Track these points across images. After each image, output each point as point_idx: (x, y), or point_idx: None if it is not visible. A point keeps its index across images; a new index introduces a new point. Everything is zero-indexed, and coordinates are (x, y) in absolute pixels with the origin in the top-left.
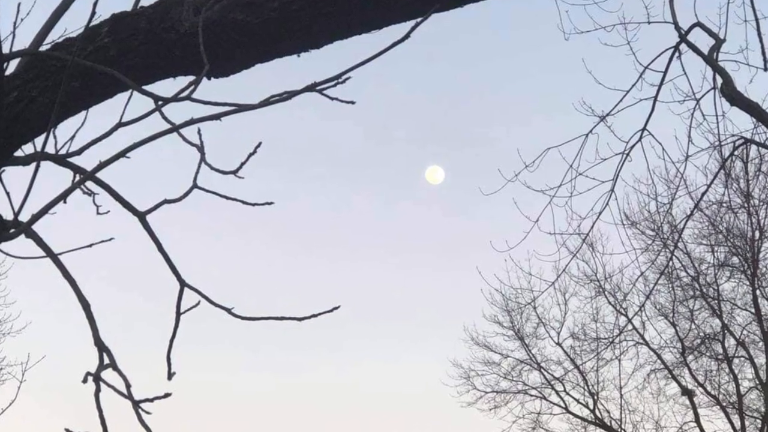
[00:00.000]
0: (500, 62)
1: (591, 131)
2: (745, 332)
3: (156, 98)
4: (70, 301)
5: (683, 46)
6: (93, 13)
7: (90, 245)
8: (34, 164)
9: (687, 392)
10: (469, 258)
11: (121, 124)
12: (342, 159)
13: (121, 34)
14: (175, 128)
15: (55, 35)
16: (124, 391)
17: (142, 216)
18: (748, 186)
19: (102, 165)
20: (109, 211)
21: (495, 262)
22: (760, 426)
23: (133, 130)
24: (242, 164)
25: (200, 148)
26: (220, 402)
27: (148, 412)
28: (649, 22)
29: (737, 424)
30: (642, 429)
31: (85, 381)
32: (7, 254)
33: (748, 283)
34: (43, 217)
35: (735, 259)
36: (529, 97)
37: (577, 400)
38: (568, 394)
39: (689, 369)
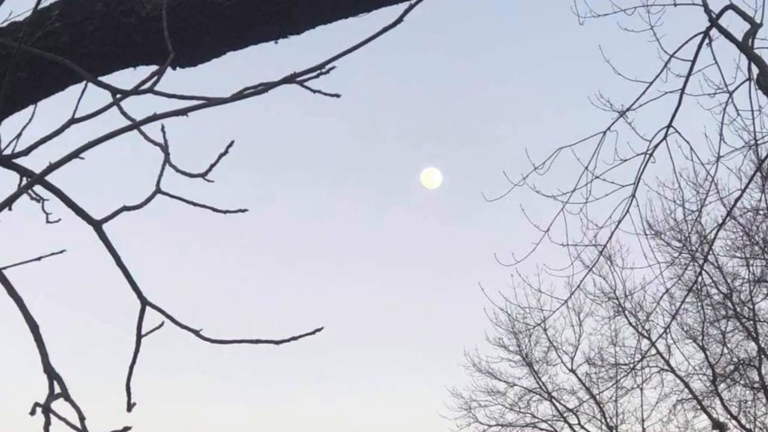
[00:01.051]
0: (505, 50)
1: (609, 128)
2: None
3: (114, 91)
4: (16, 322)
5: (714, 32)
6: None
7: (39, 258)
8: None
9: (718, 425)
10: (470, 273)
11: (74, 121)
12: (326, 160)
13: (74, 17)
14: (135, 125)
15: None
16: (78, 424)
17: (98, 225)
18: None
19: (52, 167)
20: (60, 220)
21: (500, 277)
22: None
23: (88, 127)
24: (212, 166)
25: (164, 148)
26: None
27: None
28: (675, 4)
29: None
30: None
31: (33, 413)
32: None
33: None
34: None
35: None
36: (539, 89)
37: None
38: (583, 427)
39: (721, 399)
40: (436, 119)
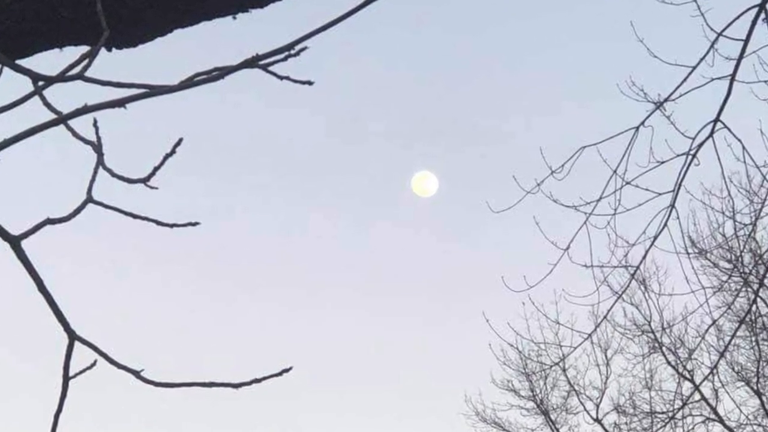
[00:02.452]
0: (517, 27)
1: (643, 123)
2: None
3: (35, 77)
4: None
5: None
6: None
7: None
8: None
9: None
10: (472, 301)
11: None
12: (295, 163)
13: None
14: (62, 119)
15: None
16: None
17: (15, 241)
18: None
19: None
20: None
21: (509, 306)
22: None
23: (3, 122)
24: (156, 169)
25: (97, 147)
26: None
27: None
28: None
29: None
30: None
31: None
32: None
33: None
34: None
35: None
36: (557, 75)
37: None
38: None
39: None
40: (431, 112)
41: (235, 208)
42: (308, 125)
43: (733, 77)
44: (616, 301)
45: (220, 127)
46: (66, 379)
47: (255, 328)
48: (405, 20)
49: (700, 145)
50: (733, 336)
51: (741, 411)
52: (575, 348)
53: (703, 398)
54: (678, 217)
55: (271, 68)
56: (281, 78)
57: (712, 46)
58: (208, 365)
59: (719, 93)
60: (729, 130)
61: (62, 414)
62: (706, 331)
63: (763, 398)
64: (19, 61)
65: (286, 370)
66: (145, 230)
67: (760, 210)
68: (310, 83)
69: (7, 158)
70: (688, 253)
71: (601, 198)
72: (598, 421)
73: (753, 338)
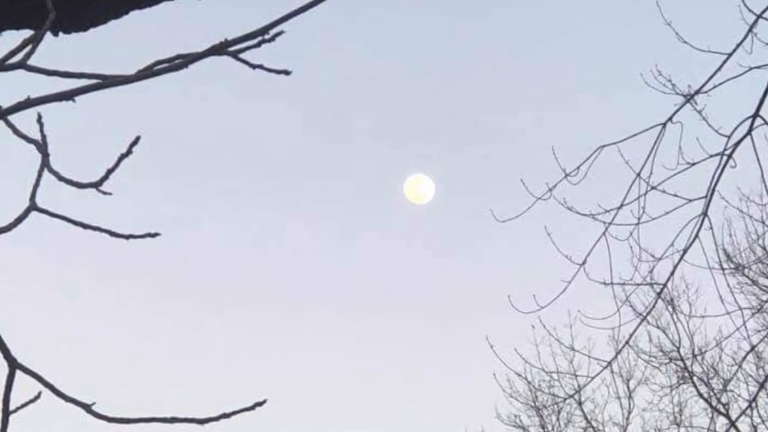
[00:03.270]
0: (525, 9)
1: (670, 119)
2: None
3: None
4: None
5: None
6: None
7: None
8: None
9: None
10: (473, 324)
11: None
12: (270, 164)
13: None
14: (1, 114)
15: None
16: None
17: None
18: None
19: None
20: None
21: (516, 329)
22: None
23: None
24: (110, 172)
25: (42, 146)
26: None
27: None
28: None
29: None
30: None
31: None
32: None
33: None
34: None
35: None
36: (573, 65)
37: None
38: None
39: None
40: (427, 107)
41: (201, 216)
42: (285, 121)
43: None
44: (639, 323)
45: (184, 123)
46: (5, 413)
47: (224, 356)
48: (396, 1)
49: (737, 144)
50: None
51: None
52: (593, 378)
53: None
54: (711, 227)
55: (242, 56)
56: (254, 67)
57: (750, 30)
58: (170, 398)
59: (759, 84)
60: None
61: None
62: (744, 358)
63: None
64: None
65: (259, 404)
66: (98, 242)
67: None
68: (287, 73)
69: None
70: (722, 269)
71: (622, 205)
72: None
73: None
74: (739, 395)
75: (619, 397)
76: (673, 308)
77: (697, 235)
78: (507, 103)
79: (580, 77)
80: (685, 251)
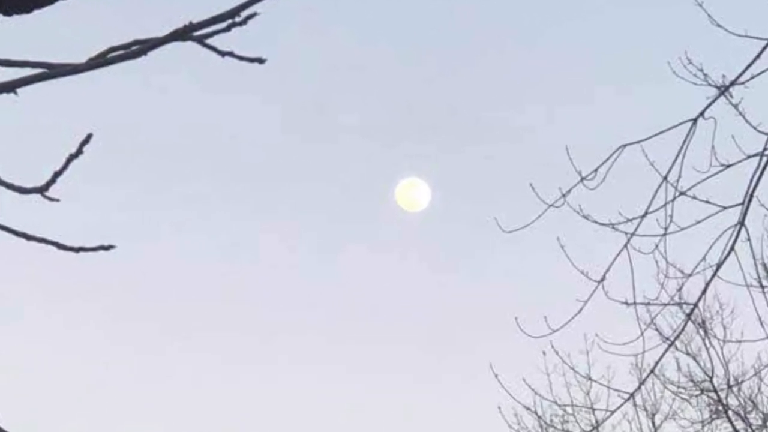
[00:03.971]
0: None
1: (702, 114)
2: None
3: None
4: None
5: None
6: None
7: None
8: None
9: None
10: (475, 350)
11: None
12: (242, 167)
13: None
14: None
15: None
16: None
17: None
18: None
19: None
20: None
21: (524, 356)
22: None
23: None
24: (57, 175)
25: None
26: None
27: None
28: None
29: None
30: None
31: None
32: None
33: None
34: None
35: None
36: (589, 52)
37: None
38: None
39: None
40: (422, 101)
41: (163, 226)
42: (259, 117)
43: None
44: (667, 349)
45: (143, 119)
46: None
47: (189, 387)
48: None
49: None
50: None
51: None
52: (613, 412)
53: None
54: (749, 239)
55: (209, 41)
56: (223, 54)
57: None
58: None
59: None
60: None
61: None
62: None
63: None
64: None
65: None
66: (43, 255)
67: None
68: (260, 61)
69: None
70: (761, 286)
71: (646, 213)
72: None
73: None
74: None
75: None
76: (705, 332)
77: (732, 248)
78: (513, 96)
79: (598, 66)
80: (718, 266)
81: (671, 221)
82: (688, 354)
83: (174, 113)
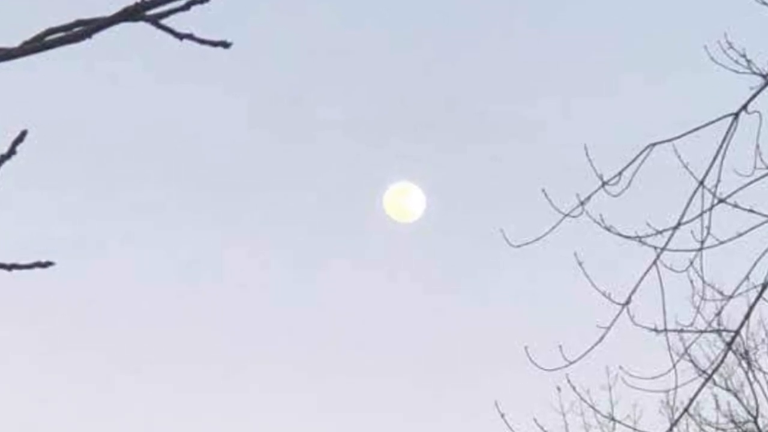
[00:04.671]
0: None
1: (745, 107)
2: None
3: None
4: None
5: None
6: None
7: None
8: None
9: None
10: (479, 384)
11: None
12: (204, 170)
13: None
14: None
15: None
16: None
17: None
18: None
19: None
20: None
21: (536, 391)
22: None
23: None
24: None
25: None
26: None
27: None
28: None
29: None
30: None
31: None
32: None
33: None
34: None
35: None
36: (612, 36)
37: None
38: None
39: None
40: (415, 93)
41: (111, 240)
42: (224, 112)
43: None
44: (703, 384)
45: (87, 114)
46: None
47: (141, 426)
48: None
49: None
50: None
51: None
52: None
53: None
54: None
55: (164, 22)
56: (181, 37)
57: None
58: None
59: None
60: None
61: None
62: None
63: None
64: None
65: None
66: None
67: None
68: (225, 45)
69: None
70: None
71: (679, 224)
72: None
73: None
74: None
75: None
76: (749, 363)
77: None
78: (523, 86)
79: (623, 51)
80: (764, 287)
81: (708, 233)
82: (728, 390)
83: (124, 107)
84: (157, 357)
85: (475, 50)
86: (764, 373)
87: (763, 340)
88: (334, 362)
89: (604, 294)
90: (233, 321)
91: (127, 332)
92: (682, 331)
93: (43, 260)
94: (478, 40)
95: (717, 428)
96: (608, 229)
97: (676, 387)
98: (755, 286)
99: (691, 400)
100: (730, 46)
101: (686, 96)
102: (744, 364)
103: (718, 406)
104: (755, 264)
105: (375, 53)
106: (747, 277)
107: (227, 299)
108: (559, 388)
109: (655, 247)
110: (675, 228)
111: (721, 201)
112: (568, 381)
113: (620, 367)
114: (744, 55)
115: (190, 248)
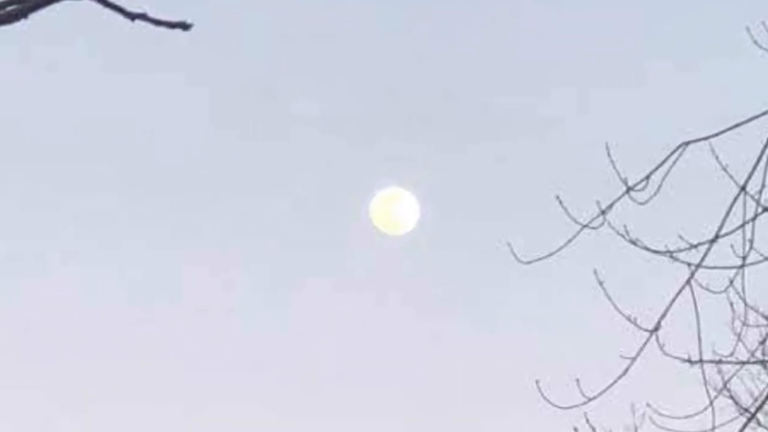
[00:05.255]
0: None
1: None
2: None
3: None
4: None
5: None
6: None
7: None
8: None
9: None
10: (481, 424)
11: None
12: (160, 173)
13: None
14: None
15: None
16: None
17: None
18: None
19: None
20: None
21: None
22: None
23: None
24: None
25: None
26: None
27: None
28: None
29: None
30: None
31: None
32: None
33: None
34: None
35: None
36: (637, 19)
37: None
38: None
39: None
40: (408, 85)
41: (50, 256)
42: (183, 105)
43: None
44: (746, 424)
45: (22, 108)
46: None
47: None
48: None
49: None
50: None
51: None
52: None
53: None
54: None
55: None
56: (133, 17)
57: None
58: None
59: None
60: None
61: None
62: None
63: None
64: None
65: None
66: None
67: None
68: (184, 27)
69: None
70: None
71: (717, 237)
72: None
73: None
74: None
75: None
76: None
77: None
78: (535, 76)
79: (650, 36)
80: None
81: (751, 248)
82: None
83: (65, 100)
84: (105, 394)
85: (478, 33)
86: None
87: None
88: (311, 400)
89: (628, 319)
90: (194, 351)
91: (70, 365)
92: (720, 362)
93: None
94: (480, 21)
95: None
96: (634, 242)
97: (714, 428)
98: None
99: None
100: None
101: (725, 86)
102: None
103: None
104: None
105: (359, 37)
106: None
107: (187, 325)
108: (576, 430)
109: (689, 264)
110: (712, 241)
111: (766, 210)
112: (587, 420)
113: (648, 405)
114: None
115: (144, 265)
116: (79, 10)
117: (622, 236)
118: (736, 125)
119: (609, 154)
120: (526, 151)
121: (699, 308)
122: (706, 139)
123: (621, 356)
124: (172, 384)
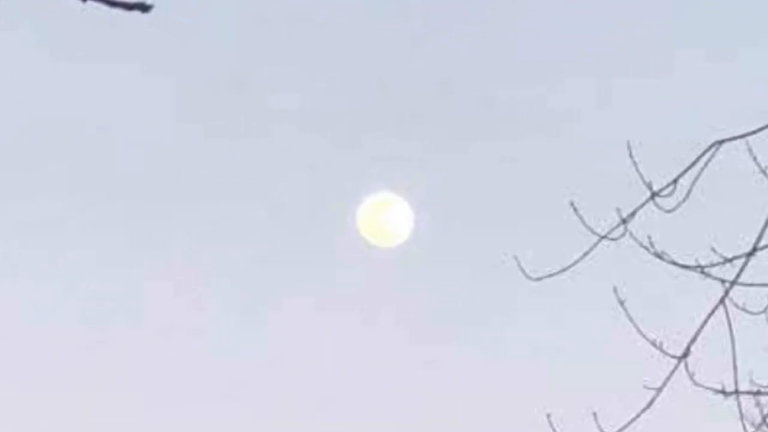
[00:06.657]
0: None
1: None
2: None
3: None
4: None
5: None
6: None
7: None
8: None
9: None
10: None
11: None
12: (118, 177)
13: None
14: None
15: None
16: None
17: None
18: None
19: None
20: None
21: None
22: None
23: None
24: None
25: None
26: None
27: None
28: None
29: None
30: None
31: None
32: None
33: None
34: None
35: None
36: (662, 3)
37: None
38: None
39: None
40: (400, 76)
41: (15, 271)
42: (143, 100)
43: None
44: None
45: None
46: None
47: None
48: None
49: None
50: None
51: None
52: None
53: None
54: None
55: None
56: None
57: None
58: None
59: None
60: None
61: None
62: None
63: None
64: None
65: None
66: None
67: None
68: (144, 8)
69: None
70: None
71: (755, 250)
72: None
73: None
74: None
75: None
76: None
77: None
78: (546, 65)
79: (678, 22)
80: None
81: None
82: None
83: (9, 93)
84: (55, 428)
85: (479, 17)
86: None
87: None
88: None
89: (653, 344)
90: (155, 379)
91: (13, 394)
92: (759, 393)
93: None
94: (483, 3)
95: None
96: (659, 255)
97: None
98: None
99: None
100: None
101: (763, 78)
102: None
103: None
104: None
105: (345, 21)
106: None
107: (147, 350)
108: None
109: (723, 281)
110: (749, 254)
111: None
112: None
113: None
114: None
115: (98, 281)
116: None
117: (646, 249)
118: None
119: (631, 155)
120: (536, 150)
121: (734, 331)
122: (742, 137)
123: (645, 386)
124: (132, 413)
